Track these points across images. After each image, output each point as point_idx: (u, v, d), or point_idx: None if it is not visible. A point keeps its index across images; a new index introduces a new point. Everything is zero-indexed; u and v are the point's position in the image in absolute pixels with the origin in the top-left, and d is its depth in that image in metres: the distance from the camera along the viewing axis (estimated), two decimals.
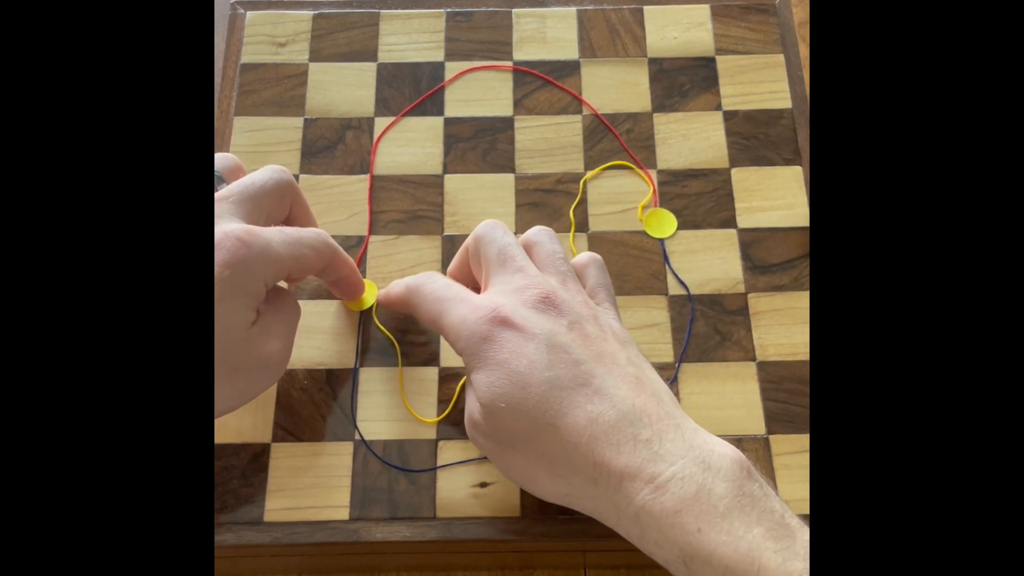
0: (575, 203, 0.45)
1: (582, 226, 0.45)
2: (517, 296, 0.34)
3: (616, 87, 0.48)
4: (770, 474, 0.39)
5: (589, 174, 0.46)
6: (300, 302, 0.39)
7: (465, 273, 0.39)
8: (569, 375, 0.33)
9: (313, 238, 0.37)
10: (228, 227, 0.34)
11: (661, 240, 0.44)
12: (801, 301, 0.43)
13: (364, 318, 0.42)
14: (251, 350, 0.34)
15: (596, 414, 0.32)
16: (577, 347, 0.33)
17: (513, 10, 0.50)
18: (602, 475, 0.32)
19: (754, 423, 0.40)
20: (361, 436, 0.40)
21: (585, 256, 0.38)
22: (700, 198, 0.45)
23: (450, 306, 0.36)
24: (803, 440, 0.40)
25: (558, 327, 0.34)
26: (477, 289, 0.38)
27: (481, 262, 0.37)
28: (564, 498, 0.34)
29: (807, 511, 0.38)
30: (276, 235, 0.35)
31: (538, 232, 0.38)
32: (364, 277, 0.43)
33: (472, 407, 0.35)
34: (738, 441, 0.39)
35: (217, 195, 0.36)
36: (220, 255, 0.33)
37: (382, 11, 0.50)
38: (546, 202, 0.45)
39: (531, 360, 0.33)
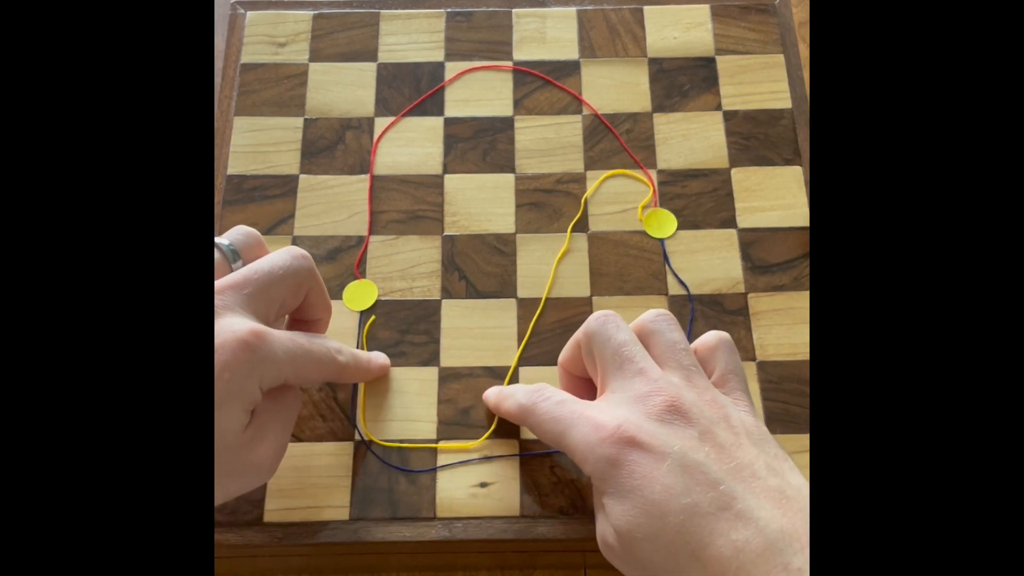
0: (575, 220, 0.44)
1: (582, 226, 0.45)
2: (640, 406, 0.32)
3: (616, 87, 0.48)
4: None
5: (590, 191, 0.45)
6: None
7: (577, 365, 0.37)
8: (708, 499, 0.30)
9: (322, 352, 0.35)
10: (236, 326, 0.32)
11: (661, 240, 0.44)
12: (801, 301, 0.43)
13: (364, 318, 0.42)
14: (241, 455, 0.33)
15: (742, 543, 0.29)
16: (713, 463, 0.31)
17: (513, 10, 0.50)
18: None
19: None
20: (361, 436, 0.40)
21: (712, 338, 0.36)
22: (700, 198, 0.45)
23: (569, 426, 0.33)
24: (803, 440, 0.40)
25: (689, 441, 0.31)
26: (592, 386, 0.36)
27: (596, 361, 0.35)
28: None
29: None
30: (284, 341, 0.33)
31: (655, 319, 0.35)
32: (364, 277, 0.43)
33: (606, 531, 0.33)
34: None
35: (231, 281, 0.34)
36: (222, 356, 0.31)
37: (382, 11, 0.50)
38: (546, 202, 0.45)
39: (665, 486, 0.30)
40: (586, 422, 0.33)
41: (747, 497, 0.30)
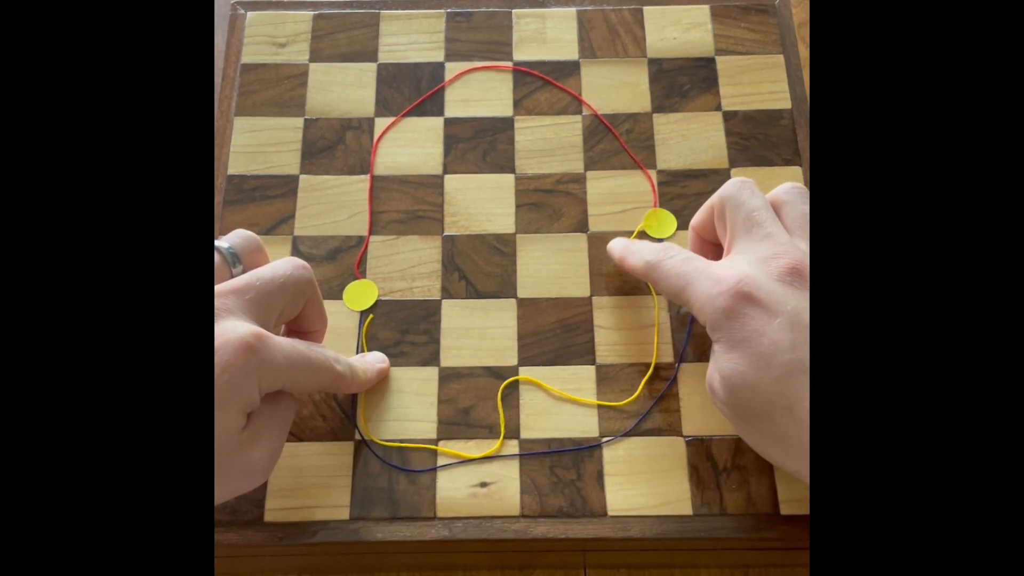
0: (636, 229, 0.44)
1: (582, 226, 0.45)
2: (763, 267, 0.34)
3: (616, 87, 0.48)
4: (769, 474, 0.39)
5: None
6: None
7: (708, 229, 0.39)
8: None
9: (320, 360, 0.35)
10: (239, 328, 0.32)
11: (661, 240, 0.44)
12: None
13: (364, 318, 0.42)
14: (236, 457, 0.33)
15: None
16: None
17: (513, 10, 0.50)
18: None
19: None
20: (361, 436, 0.40)
21: None
22: (700, 198, 0.45)
23: (691, 280, 0.35)
24: None
25: (804, 303, 0.33)
26: (720, 252, 0.37)
27: (726, 224, 0.36)
28: (795, 474, 0.34)
29: (807, 511, 0.38)
30: (285, 346, 0.33)
31: (789, 191, 0.37)
32: (364, 277, 0.43)
33: (713, 375, 0.35)
34: (738, 444, 0.39)
35: (234, 286, 0.34)
36: (223, 356, 0.31)
37: (382, 11, 0.50)
38: (546, 202, 0.45)
39: (774, 340, 0.32)
40: (708, 276, 0.34)
41: None
